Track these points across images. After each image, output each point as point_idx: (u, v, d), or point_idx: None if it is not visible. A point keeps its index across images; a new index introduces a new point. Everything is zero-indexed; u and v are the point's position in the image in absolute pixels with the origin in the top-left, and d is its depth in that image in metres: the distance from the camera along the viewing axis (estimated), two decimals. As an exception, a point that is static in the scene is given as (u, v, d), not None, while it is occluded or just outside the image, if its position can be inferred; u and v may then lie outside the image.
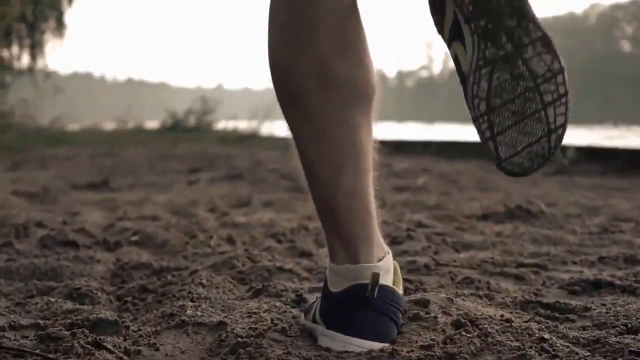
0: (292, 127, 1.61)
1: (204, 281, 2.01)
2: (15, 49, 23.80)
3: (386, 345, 1.52)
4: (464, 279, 2.15)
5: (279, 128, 15.65)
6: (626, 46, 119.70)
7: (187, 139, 14.49)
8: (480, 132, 1.54)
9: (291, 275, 2.21)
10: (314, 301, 1.73)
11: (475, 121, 1.54)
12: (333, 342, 1.54)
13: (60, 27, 24.30)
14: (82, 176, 6.57)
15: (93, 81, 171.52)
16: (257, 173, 6.63)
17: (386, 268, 1.61)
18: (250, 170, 6.92)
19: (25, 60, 23.56)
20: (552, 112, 1.50)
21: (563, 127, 1.52)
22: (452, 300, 1.73)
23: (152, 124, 19.01)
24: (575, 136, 14.96)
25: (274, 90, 1.60)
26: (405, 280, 2.11)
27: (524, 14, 1.48)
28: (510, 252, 2.64)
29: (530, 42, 1.48)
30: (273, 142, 12.21)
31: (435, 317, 1.62)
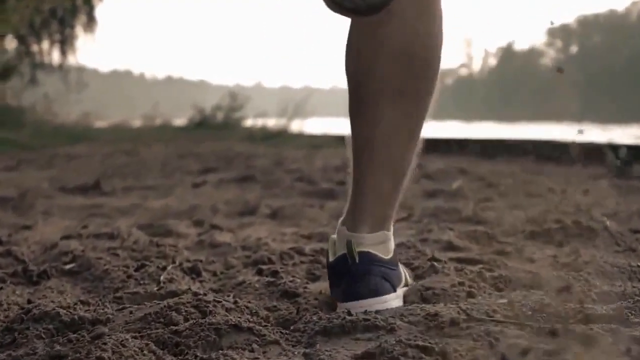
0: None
1: (108, 354, 1.30)
2: (45, 44, 23.45)
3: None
4: (509, 347, 1.43)
5: (310, 125, 15.09)
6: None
7: (214, 136, 13.87)
8: None
9: (250, 339, 1.47)
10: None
11: None
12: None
13: (91, 22, 23.91)
14: (81, 177, 5.90)
15: (132, 79, 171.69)
16: (274, 174, 5.93)
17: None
18: (267, 171, 6.20)
19: (56, 55, 23.22)
20: None
21: None
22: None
23: (182, 121, 18.43)
24: (623, 135, 14.14)
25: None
26: (419, 347, 1.40)
27: None
28: (573, 293, 1.90)
29: None
30: (302, 139, 11.50)
31: None
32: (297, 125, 14.72)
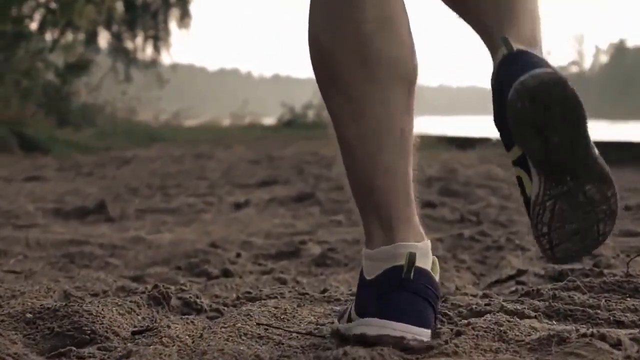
0: (331, 108, 1.60)
1: None
2: (139, 40, 22.79)
3: (424, 330, 1.46)
4: None
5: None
6: None
7: (302, 137, 12.77)
8: (540, 245, 1.55)
9: None
10: (348, 305, 1.66)
11: (537, 237, 1.53)
12: (367, 328, 1.45)
13: (185, 17, 23.20)
14: (102, 193, 4.73)
15: (238, 77, 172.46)
16: (342, 191, 4.61)
17: (424, 251, 1.54)
18: (335, 186, 4.86)
19: (149, 51, 22.59)
20: (603, 225, 1.52)
21: (608, 233, 1.54)
22: None
23: (272, 119, 17.58)
24: None
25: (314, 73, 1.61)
26: None
27: (587, 158, 1.46)
28: None
29: (590, 180, 1.48)
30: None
31: None
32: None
